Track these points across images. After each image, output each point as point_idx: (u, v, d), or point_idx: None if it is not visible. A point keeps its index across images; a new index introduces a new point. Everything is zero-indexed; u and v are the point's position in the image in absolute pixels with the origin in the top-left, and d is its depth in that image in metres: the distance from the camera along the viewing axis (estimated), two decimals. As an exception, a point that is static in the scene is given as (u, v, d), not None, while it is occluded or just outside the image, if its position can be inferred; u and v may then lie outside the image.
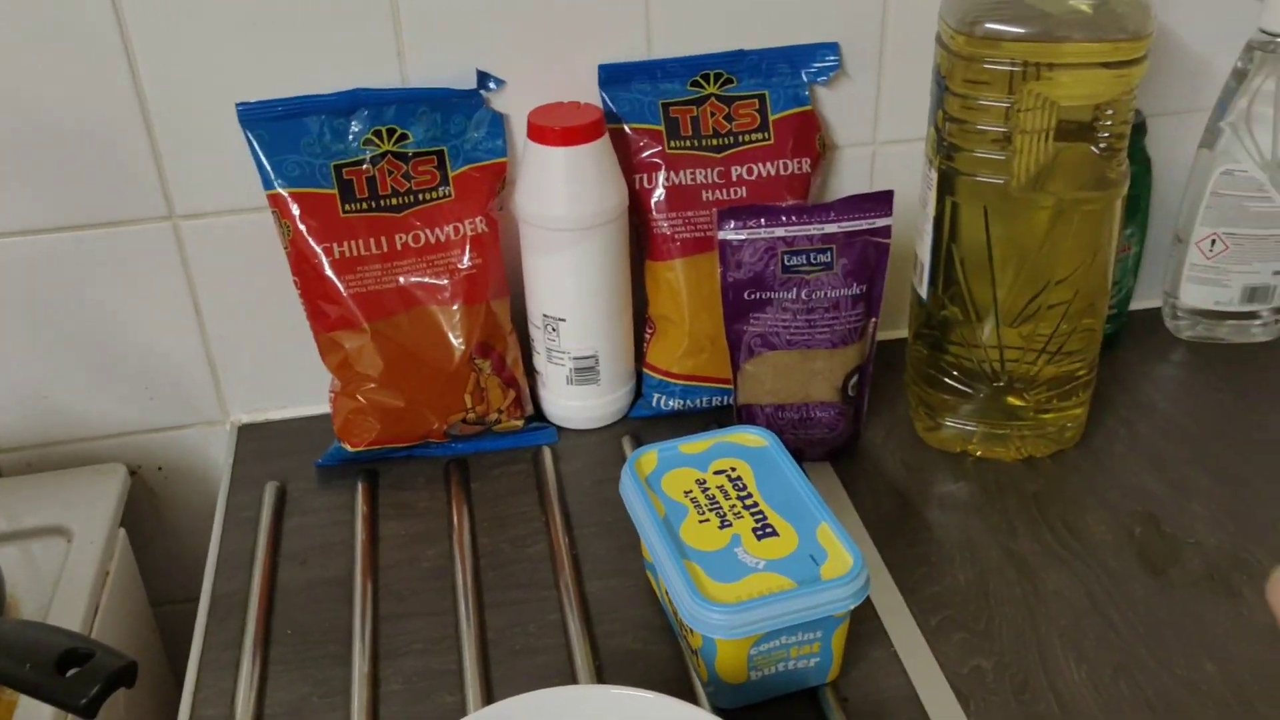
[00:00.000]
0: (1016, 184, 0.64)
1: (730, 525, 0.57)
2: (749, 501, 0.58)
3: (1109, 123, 0.63)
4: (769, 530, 0.56)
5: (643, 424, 0.77)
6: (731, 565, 0.54)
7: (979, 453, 0.73)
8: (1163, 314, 0.86)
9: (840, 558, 0.54)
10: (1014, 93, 0.62)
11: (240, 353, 0.77)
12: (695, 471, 0.61)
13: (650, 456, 0.62)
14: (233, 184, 0.71)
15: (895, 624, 0.61)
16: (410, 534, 0.68)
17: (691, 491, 0.59)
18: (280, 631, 0.62)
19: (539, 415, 0.78)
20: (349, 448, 0.73)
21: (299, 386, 0.79)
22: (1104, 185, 0.65)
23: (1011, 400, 0.71)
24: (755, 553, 0.55)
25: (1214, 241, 0.80)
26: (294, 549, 0.68)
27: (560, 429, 0.77)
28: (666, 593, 0.57)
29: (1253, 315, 0.82)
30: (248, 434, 0.78)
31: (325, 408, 0.76)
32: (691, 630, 0.54)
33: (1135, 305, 0.86)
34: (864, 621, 0.60)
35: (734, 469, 0.61)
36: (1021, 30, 0.62)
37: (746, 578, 0.53)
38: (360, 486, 0.72)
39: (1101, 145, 0.64)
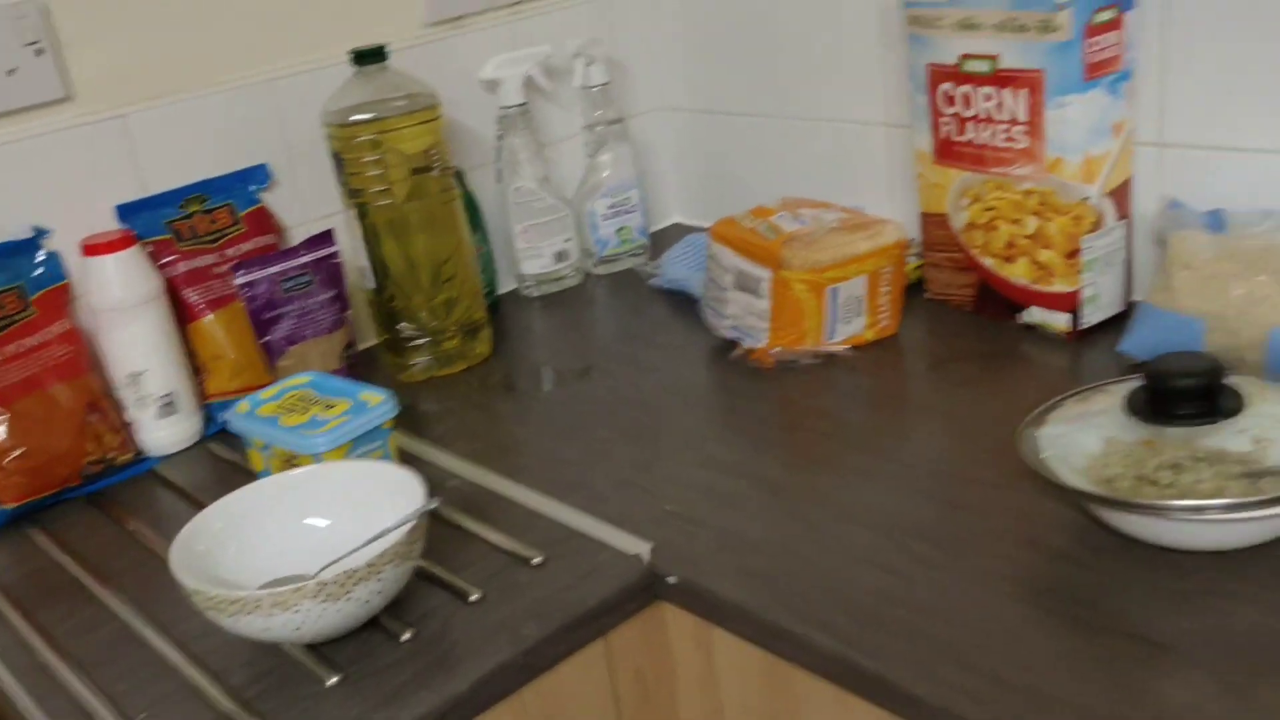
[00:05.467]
0: (398, 203, 1.11)
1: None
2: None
3: (437, 157, 1.13)
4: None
5: (218, 438, 1.12)
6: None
7: (436, 374, 1.18)
8: (519, 287, 1.38)
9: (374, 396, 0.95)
10: (379, 151, 1.09)
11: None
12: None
13: (245, 405, 0.98)
14: None
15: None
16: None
17: (277, 407, 0.97)
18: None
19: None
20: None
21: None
22: (446, 192, 1.14)
23: (447, 342, 1.17)
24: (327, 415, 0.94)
25: (526, 230, 1.33)
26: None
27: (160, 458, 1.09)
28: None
29: (561, 273, 1.37)
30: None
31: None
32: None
33: (505, 289, 1.38)
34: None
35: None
36: (370, 116, 1.10)
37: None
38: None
39: (436, 172, 1.13)
